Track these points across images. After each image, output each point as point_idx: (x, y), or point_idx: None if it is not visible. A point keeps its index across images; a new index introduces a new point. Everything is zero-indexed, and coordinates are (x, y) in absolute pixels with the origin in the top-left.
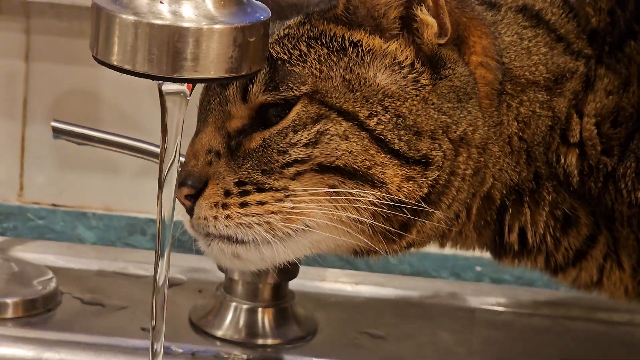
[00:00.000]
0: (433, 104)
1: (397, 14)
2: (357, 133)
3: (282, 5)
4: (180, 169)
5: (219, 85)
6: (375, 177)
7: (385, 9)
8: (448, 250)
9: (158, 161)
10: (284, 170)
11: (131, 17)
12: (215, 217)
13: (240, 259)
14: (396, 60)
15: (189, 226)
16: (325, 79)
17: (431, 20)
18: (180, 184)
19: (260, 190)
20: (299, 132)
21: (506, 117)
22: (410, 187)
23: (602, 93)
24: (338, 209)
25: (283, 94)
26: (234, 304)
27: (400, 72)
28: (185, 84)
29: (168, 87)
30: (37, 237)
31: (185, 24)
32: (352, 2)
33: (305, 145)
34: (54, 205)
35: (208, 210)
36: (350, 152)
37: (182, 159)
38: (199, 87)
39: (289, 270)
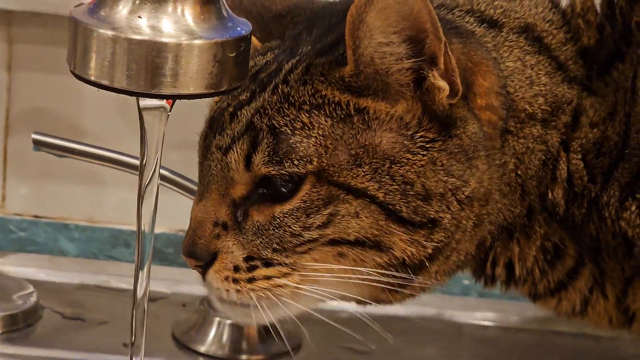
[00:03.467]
0: (442, 165)
1: (409, 79)
2: (367, 207)
3: (266, 20)
4: (187, 235)
5: (219, 149)
6: (383, 243)
7: (396, 74)
8: None
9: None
10: (296, 249)
11: (109, 32)
12: (227, 290)
13: (250, 318)
14: (403, 122)
15: (202, 283)
16: (331, 156)
17: (443, 83)
18: (188, 253)
19: (268, 264)
20: (312, 216)
21: (507, 157)
22: (414, 250)
23: (587, 128)
24: (344, 272)
25: (288, 169)
26: (217, 319)
27: (407, 132)
28: (165, 100)
29: (147, 102)
30: (19, 249)
31: (164, 39)
32: (361, 66)
33: (319, 227)
34: (36, 216)
35: (219, 283)
36: (361, 228)
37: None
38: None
39: None
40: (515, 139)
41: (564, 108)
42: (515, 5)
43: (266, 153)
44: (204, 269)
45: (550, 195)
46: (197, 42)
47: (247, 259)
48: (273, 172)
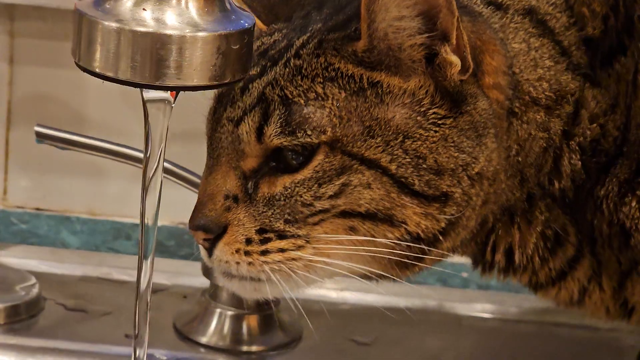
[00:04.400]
0: (453, 141)
1: (421, 55)
2: (380, 179)
3: (272, 2)
4: (195, 209)
5: (230, 121)
6: (395, 217)
7: (409, 50)
8: None
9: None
10: (308, 219)
11: (114, 24)
12: (238, 263)
13: (260, 292)
14: (416, 98)
15: (207, 260)
16: (345, 127)
17: (455, 58)
18: (197, 226)
19: (282, 237)
20: (324, 186)
21: (511, 141)
22: (429, 223)
23: (586, 123)
24: (357, 246)
25: (300, 140)
26: (218, 310)
27: (420, 109)
28: (169, 92)
29: (151, 94)
30: (21, 241)
31: (168, 32)
32: (374, 41)
33: (330, 197)
34: (37, 209)
35: (229, 255)
36: (372, 199)
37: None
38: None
39: None
40: (519, 122)
41: (567, 98)
42: None
43: (278, 124)
44: (212, 243)
45: (550, 183)
46: (200, 34)
47: (260, 231)
48: (285, 144)
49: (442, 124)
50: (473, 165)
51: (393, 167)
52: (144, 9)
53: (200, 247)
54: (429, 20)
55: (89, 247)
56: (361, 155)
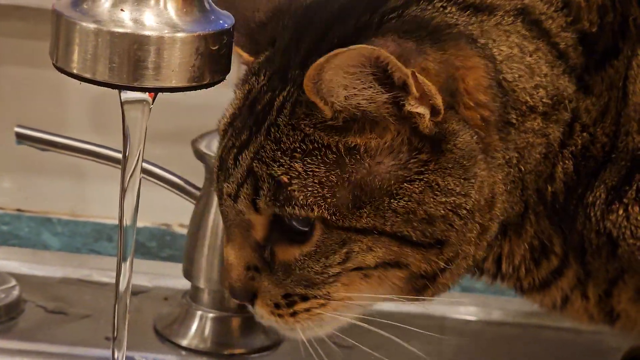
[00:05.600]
0: (438, 185)
1: (389, 110)
2: (378, 240)
3: (252, 29)
4: (223, 275)
5: (229, 197)
6: (400, 262)
7: (374, 111)
8: None
9: None
10: (324, 282)
11: (92, 25)
12: (276, 322)
13: (300, 334)
14: (394, 150)
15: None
16: (331, 205)
17: (421, 109)
18: (232, 295)
19: (304, 299)
20: (330, 257)
21: (510, 151)
22: (429, 266)
23: (579, 132)
24: (373, 287)
25: (291, 212)
26: (199, 312)
27: (400, 162)
28: (147, 93)
29: (130, 95)
30: (1, 243)
31: (146, 32)
32: (336, 113)
33: (339, 264)
34: (19, 210)
35: (267, 316)
36: (377, 257)
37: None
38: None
39: None
40: (517, 132)
41: (565, 104)
42: None
43: (268, 198)
44: (251, 303)
45: (547, 189)
46: (179, 35)
47: (285, 296)
48: (278, 213)
49: (425, 169)
50: (464, 204)
51: (387, 227)
52: (122, 10)
53: None
54: (385, 78)
55: (70, 249)
56: (354, 227)
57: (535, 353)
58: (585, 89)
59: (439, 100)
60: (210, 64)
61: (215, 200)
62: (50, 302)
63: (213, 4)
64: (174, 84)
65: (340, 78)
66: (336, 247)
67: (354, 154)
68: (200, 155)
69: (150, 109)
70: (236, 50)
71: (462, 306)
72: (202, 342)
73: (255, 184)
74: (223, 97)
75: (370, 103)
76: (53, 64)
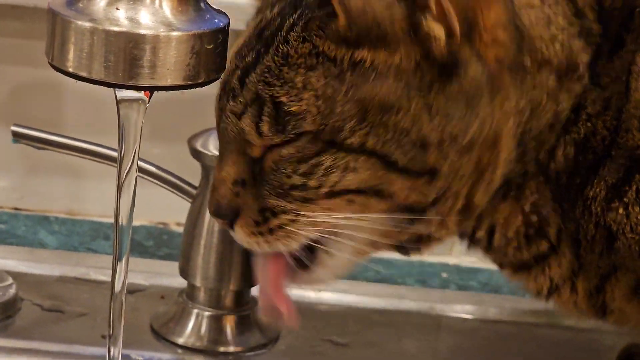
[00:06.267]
0: (437, 111)
1: (404, 25)
2: (366, 161)
3: None
4: (210, 195)
5: (234, 115)
6: (383, 191)
7: (389, 23)
8: (414, 257)
9: None
10: (294, 195)
11: (87, 24)
12: (257, 242)
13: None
14: (401, 69)
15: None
16: (326, 116)
17: (437, 28)
18: (214, 213)
19: (274, 214)
20: (311, 167)
21: (525, 99)
22: (416, 198)
23: (585, 116)
24: (354, 214)
25: (289, 135)
26: (196, 310)
27: (405, 79)
28: (143, 91)
29: (125, 94)
30: None
31: (142, 31)
32: (352, 18)
33: (319, 177)
34: (16, 209)
35: (247, 238)
36: (360, 180)
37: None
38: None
39: (251, 277)
40: (531, 80)
41: (578, 70)
42: None
43: (270, 123)
44: (230, 226)
45: (548, 164)
46: (174, 34)
47: (261, 210)
48: (277, 141)
49: (428, 91)
50: (462, 135)
51: (378, 146)
52: (117, 8)
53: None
54: None
55: (68, 247)
56: (342, 142)
57: (532, 351)
58: (596, 78)
59: (455, 23)
60: (206, 63)
61: None
62: (46, 301)
63: (208, 3)
64: (169, 82)
65: None
66: (316, 157)
67: (357, 70)
68: (196, 154)
69: (146, 107)
70: None
71: (457, 304)
72: (198, 340)
73: (260, 108)
74: None
75: (386, 9)
76: (49, 62)
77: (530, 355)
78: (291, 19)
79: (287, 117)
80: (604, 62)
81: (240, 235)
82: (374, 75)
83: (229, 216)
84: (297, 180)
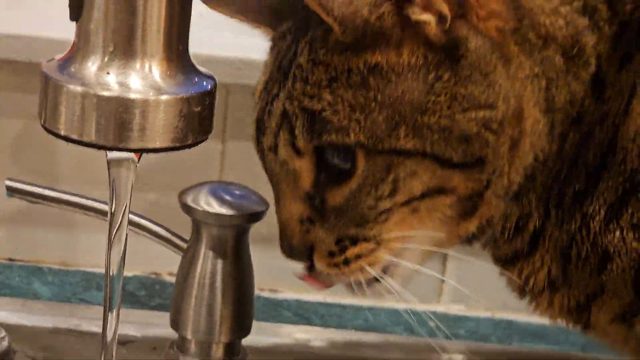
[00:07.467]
0: (463, 97)
1: (395, 21)
2: (421, 163)
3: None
4: (280, 237)
5: (270, 150)
6: (445, 189)
7: (379, 21)
8: (402, 305)
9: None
10: (377, 220)
11: (79, 88)
12: (336, 274)
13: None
14: (412, 65)
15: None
16: (366, 128)
17: (427, 16)
18: (289, 255)
19: (354, 242)
20: (380, 188)
21: (536, 68)
22: (474, 185)
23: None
24: (422, 221)
25: (329, 139)
26: None
27: (420, 75)
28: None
29: (116, 155)
30: None
31: (132, 95)
32: (345, 23)
33: (389, 196)
34: (10, 259)
35: (327, 269)
36: (422, 182)
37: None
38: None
39: (242, 328)
40: (539, 54)
41: (584, 52)
42: None
43: (305, 132)
44: (310, 264)
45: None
46: (163, 97)
47: (337, 242)
48: (317, 144)
49: (447, 80)
50: (493, 117)
51: (427, 148)
52: (108, 73)
53: None
54: None
55: (61, 298)
56: (395, 148)
57: None
58: (597, 94)
59: (444, 7)
60: (193, 125)
61: (202, 251)
62: (39, 352)
63: (196, 66)
64: (158, 145)
65: None
66: (383, 174)
67: (377, 73)
68: (186, 209)
69: (136, 166)
70: (261, 29)
71: (445, 353)
72: None
73: (290, 125)
74: (209, 151)
75: (371, 11)
76: (41, 124)
77: None
78: (302, 43)
79: (324, 125)
80: (618, 71)
81: (320, 267)
82: (394, 77)
83: (305, 255)
84: (381, 205)
